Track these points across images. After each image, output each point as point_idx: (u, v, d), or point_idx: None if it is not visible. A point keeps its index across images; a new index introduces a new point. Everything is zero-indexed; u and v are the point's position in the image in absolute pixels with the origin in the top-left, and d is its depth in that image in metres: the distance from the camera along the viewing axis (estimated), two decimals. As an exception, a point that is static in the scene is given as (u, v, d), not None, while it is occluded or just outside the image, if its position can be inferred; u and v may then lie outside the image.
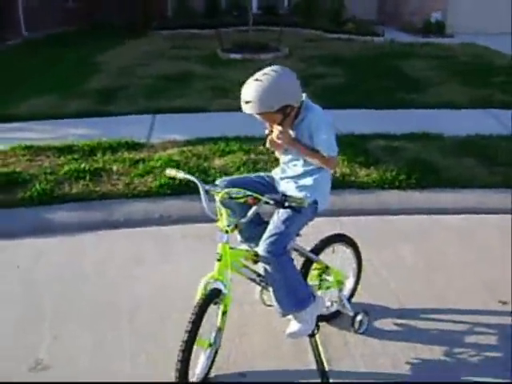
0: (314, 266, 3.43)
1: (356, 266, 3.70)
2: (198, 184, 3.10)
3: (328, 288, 3.52)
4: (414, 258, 4.45)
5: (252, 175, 3.43)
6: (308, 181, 3.15)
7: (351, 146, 6.35)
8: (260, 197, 2.89)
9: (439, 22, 15.99)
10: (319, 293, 3.41)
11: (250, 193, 2.95)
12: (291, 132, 3.02)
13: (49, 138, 6.85)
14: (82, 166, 5.85)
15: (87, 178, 5.63)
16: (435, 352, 3.27)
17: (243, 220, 2.96)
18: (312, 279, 3.43)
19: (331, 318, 3.56)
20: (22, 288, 4.03)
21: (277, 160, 3.32)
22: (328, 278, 3.51)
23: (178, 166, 5.74)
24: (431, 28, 15.73)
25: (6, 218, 5.15)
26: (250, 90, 2.94)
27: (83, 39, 16.35)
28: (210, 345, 2.96)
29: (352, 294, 3.70)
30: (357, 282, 3.72)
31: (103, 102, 8.61)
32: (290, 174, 3.23)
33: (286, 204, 2.81)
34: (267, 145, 3.13)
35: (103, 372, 3.15)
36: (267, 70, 2.99)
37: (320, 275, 3.49)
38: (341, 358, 3.22)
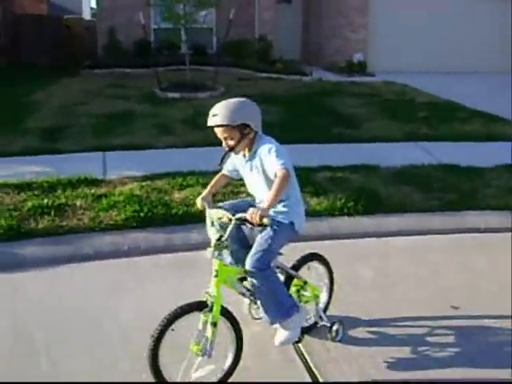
0: (294, 282, 3.81)
1: (328, 281, 4.13)
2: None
3: (306, 302, 3.90)
4: (371, 275, 4.91)
5: (249, 199, 3.80)
6: (280, 208, 3.54)
7: (299, 177, 6.69)
8: (231, 216, 3.31)
9: (361, 62, 17.04)
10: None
11: (224, 212, 3.39)
12: (258, 211, 3.18)
13: (0, 175, 6.92)
14: (45, 201, 5.99)
15: (52, 213, 5.78)
16: (405, 352, 3.72)
17: (224, 236, 3.31)
18: (292, 294, 3.78)
19: (310, 329, 3.92)
20: (5, 320, 4.16)
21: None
22: (306, 292, 3.90)
23: (140, 201, 6.04)
24: (354, 67, 16.73)
25: (-25, 254, 5.25)
26: (219, 106, 3.45)
27: (13, 77, 16.30)
28: (199, 353, 3.23)
29: (326, 307, 4.10)
30: (330, 296, 4.14)
31: (49, 140, 8.72)
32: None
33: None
34: (200, 203, 3.61)
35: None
36: (235, 98, 3.53)
37: (298, 290, 3.88)
38: (326, 362, 3.60)
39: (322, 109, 11.21)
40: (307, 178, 6.84)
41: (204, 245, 5.23)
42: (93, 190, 6.36)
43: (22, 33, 22.46)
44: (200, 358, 3.26)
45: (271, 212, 3.41)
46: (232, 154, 3.63)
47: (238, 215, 3.28)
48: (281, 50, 17.84)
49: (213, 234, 3.38)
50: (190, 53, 13.99)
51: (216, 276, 3.31)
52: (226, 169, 3.84)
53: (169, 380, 3.26)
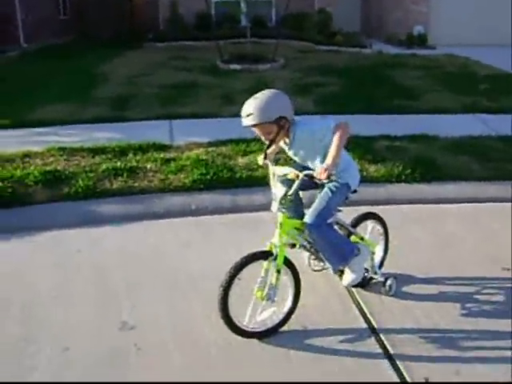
0: (352, 238, 4.08)
1: (384, 239, 4.39)
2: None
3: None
4: (427, 238, 5.12)
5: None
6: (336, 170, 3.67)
7: (359, 146, 7.02)
8: (298, 173, 3.52)
9: (421, 34, 16.89)
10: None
11: (290, 169, 3.62)
12: (324, 169, 3.34)
13: (76, 140, 7.40)
14: (118, 164, 6.43)
15: (124, 175, 6.21)
16: (457, 308, 3.94)
17: (290, 192, 3.55)
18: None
19: (366, 284, 4.19)
20: (88, 269, 4.58)
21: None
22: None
23: (206, 165, 6.40)
24: (414, 40, 16.60)
25: (57, 210, 5.72)
26: (251, 105, 3.45)
27: (79, 50, 16.93)
28: (263, 298, 3.55)
29: (382, 263, 4.36)
30: (385, 253, 4.40)
31: (118, 109, 9.19)
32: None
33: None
34: (262, 162, 3.80)
35: (184, 330, 3.73)
36: (263, 91, 3.56)
37: (368, 243, 4.16)
38: (380, 312, 3.87)
39: (381, 80, 11.30)
40: (366, 147, 7.06)
41: (266, 206, 5.62)
42: (162, 155, 6.76)
43: (85, 7, 23.14)
44: (264, 303, 3.57)
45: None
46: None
47: (306, 172, 3.47)
48: (340, 22, 17.85)
49: (278, 189, 3.60)
50: (249, 26, 14.22)
51: (280, 228, 3.60)
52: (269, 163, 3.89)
53: (237, 323, 3.58)
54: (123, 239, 5.16)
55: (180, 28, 17.74)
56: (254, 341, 3.60)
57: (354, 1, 20.38)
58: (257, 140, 7.15)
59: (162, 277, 4.41)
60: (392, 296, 4.09)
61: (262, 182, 6.07)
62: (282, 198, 3.57)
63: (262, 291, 3.55)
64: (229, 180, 6.14)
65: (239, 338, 3.58)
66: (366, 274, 4.13)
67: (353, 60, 13.67)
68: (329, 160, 3.37)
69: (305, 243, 3.86)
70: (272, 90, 3.56)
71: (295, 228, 3.75)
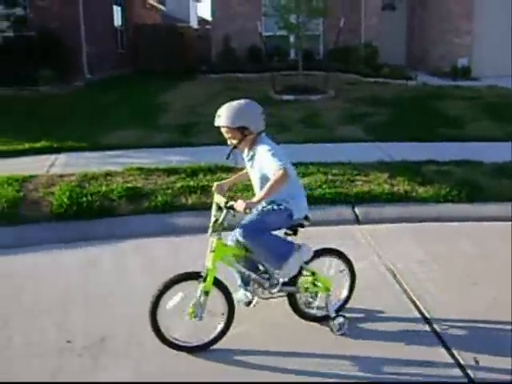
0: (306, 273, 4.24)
1: (349, 278, 4.42)
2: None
3: (316, 292, 4.30)
4: (471, 250, 5.70)
5: None
6: (280, 197, 3.95)
7: (408, 169, 7.67)
8: (223, 203, 3.82)
9: (465, 67, 17.46)
10: (308, 294, 4.28)
11: (221, 199, 3.89)
12: (245, 202, 3.67)
13: (149, 162, 8.20)
14: (191, 183, 7.21)
15: (198, 192, 6.98)
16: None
17: (219, 220, 3.83)
18: (303, 283, 4.25)
19: (322, 320, 4.29)
20: (172, 272, 5.29)
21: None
22: (316, 283, 4.27)
23: (269, 184, 7.08)
24: (458, 72, 17.18)
25: (139, 222, 6.50)
26: (223, 109, 3.92)
27: (137, 81, 18.01)
28: (194, 315, 3.85)
29: (345, 301, 4.43)
30: (350, 291, 4.43)
31: (183, 135, 10.05)
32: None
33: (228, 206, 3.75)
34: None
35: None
36: (241, 99, 4.01)
37: (312, 282, 4.28)
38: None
39: (427, 111, 11.92)
40: (415, 170, 7.68)
41: (326, 223, 6.30)
42: (228, 175, 7.48)
43: (140, 42, 24.42)
44: (194, 320, 3.88)
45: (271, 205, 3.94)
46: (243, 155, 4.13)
47: (230, 203, 3.75)
48: (386, 55, 18.55)
49: (212, 215, 3.92)
50: (296, 59, 15.02)
51: (212, 251, 3.89)
52: (248, 168, 4.21)
53: (166, 336, 3.92)
54: (200, 248, 5.84)
55: (232, 60, 18.66)
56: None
57: (398, 35, 21.07)
58: (313, 164, 7.86)
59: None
60: (340, 335, 4.18)
61: (322, 200, 6.80)
62: (214, 224, 3.86)
63: (194, 309, 3.87)
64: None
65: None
66: (322, 312, 4.29)
67: (399, 91, 14.30)
68: (254, 198, 3.77)
69: (241, 269, 4.06)
70: (247, 100, 4.02)
71: (233, 255, 4.03)
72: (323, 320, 4.27)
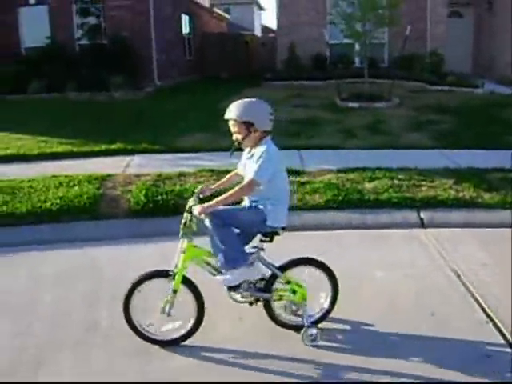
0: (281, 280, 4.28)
1: (331, 288, 4.37)
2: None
3: (292, 301, 4.28)
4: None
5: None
6: (262, 200, 4.12)
7: (474, 176, 7.74)
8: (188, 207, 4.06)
9: (534, 75, 17.21)
10: (283, 303, 4.31)
11: (190, 203, 4.12)
12: (201, 206, 3.96)
13: (218, 164, 8.51)
14: (260, 185, 7.48)
15: (267, 193, 7.24)
16: None
17: (187, 222, 4.04)
18: (278, 291, 4.29)
19: (297, 328, 4.28)
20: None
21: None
22: (288, 293, 4.28)
23: (337, 188, 7.31)
24: (526, 81, 16.93)
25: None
26: (234, 103, 4.08)
27: (204, 88, 18.51)
28: (162, 311, 4.07)
29: (326, 313, 4.40)
30: (332, 304, 4.39)
31: (251, 140, 10.33)
32: (251, 199, 4.19)
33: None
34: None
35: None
36: (253, 98, 4.13)
37: (287, 290, 4.29)
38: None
39: (493, 119, 11.85)
40: (481, 177, 7.74)
41: (392, 226, 6.46)
42: (297, 178, 7.75)
43: (207, 50, 25.05)
44: (164, 316, 4.10)
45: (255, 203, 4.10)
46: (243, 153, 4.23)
47: (190, 205, 4.03)
48: (451, 63, 18.45)
49: (184, 217, 4.08)
50: (361, 67, 15.17)
51: (183, 252, 4.08)
52: (239, 167, 4.37)
53: (137, 326, 4.18)
54: (269, 245, 6.12)
55: (297, 68, 18.95)
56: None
57: (465, 42, 20.94)
58: (380, 169, 8.02)
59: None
60: (312, 346, 4.16)
61: (389, 204, 6.96)
62: (183, 226, 4.06)
63: (163, 306, 4.09)
64: (358, 201, 7.02)
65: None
66: (297, 321, 4.31)
67: (465, 99, 14.23)
68: (213, 201, 3.97)
69: (211, 270, 4.19)
70: (259, 100, 4.12)
71: (204, 257, 4.17)
72: (299, 329, 4.25)
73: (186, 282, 4.13)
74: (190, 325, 4.20)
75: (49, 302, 4.96)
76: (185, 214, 4.07)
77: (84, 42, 18.90)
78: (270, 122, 4.10)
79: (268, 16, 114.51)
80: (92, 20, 18.94)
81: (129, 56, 17.10)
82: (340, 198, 7.05)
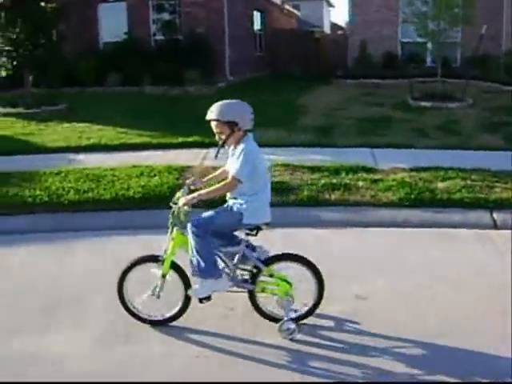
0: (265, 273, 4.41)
1: (316, 286, 4.41)
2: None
3: (273, 294, 4.42)
4: None
5: None
6: (238, 201, 4.24)
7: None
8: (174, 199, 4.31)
9: None
10: (264, 295, 4.44)
11: (177, 194, 4.33)
12: (185, 198, 4.19)
13: (293, 160, 8.73)
14: (334, 180, 7.68)
15: (340, 189, 7.43)
16: None
17: (175, 212, 4.24)
18: (261, 284, 4.42)
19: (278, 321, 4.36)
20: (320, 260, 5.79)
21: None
22: (271, 286, 4.43)
23: (410, 186, 7.41)
24: None
25: (287, 213, 7.04)
26: (215, 104, 4.20)
27: (274, 84, 18.77)
28: (152, 293, 4.37)
29: (311, 309, 4.47)
30: (317, 301, 4.44)
31: (324, 136, 10.53)
32: (231, 196, 4.32)
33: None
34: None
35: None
36: (233, 100, 4.29)
37: (270, 284, 4.43)
38: None
39: None
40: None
41: (464, 225, 6.51)
42: (370, 176, 7.89)
43: (277, 46, 25.28)
44: (154, 298, 4.39)
45: (232, 203, 4.26)
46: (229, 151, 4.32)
47: (180, 197, 4.23)
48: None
49: (172, 208, 4.30)
50: (433, 66, 15.06)
51: (172, 239, 4.33)
52: (227, 164, 4.43)
53: (130, 306, 4.49)
54: (344, 240, 6.32)
55: (368, 66, 18.97)
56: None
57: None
58: (452, 169, 8.06)
59: (384, 266, 5.51)
60: (289, 339, 4.27)
61: (461, 204, 7.01)
62: (172, 216, 4.27)
63: (153, 288, 4.39)
64: (430, 200, 7.10)
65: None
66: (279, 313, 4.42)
67: (541, 101, 13.98)
68: (195, 193, 4.20)
69: (198, 259, 4.28)
70: (238, 101, 4.30)
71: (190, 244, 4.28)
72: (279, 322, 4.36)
73: (175, 267, 4.40)
74: (177, 308, 4.48)
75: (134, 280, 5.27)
76: (173, 205, 4.30)
77: (159, 37, 19.51)
78: (251, 122, 4.26)
79: (337, 13, 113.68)
80: (168, 16, 19.53)
81: (203, 51, 17.52)
82: (413, 196, 7.15)
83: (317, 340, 4.32)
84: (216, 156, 4.33)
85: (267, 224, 4.36)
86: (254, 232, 4.32)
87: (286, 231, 6.53)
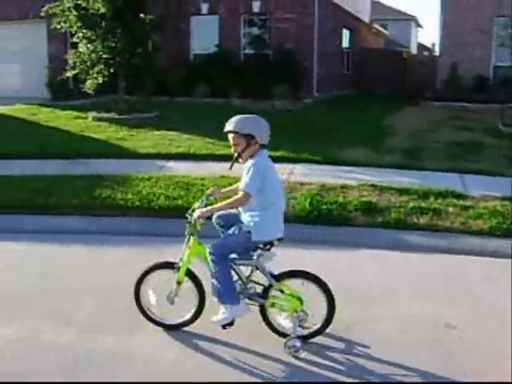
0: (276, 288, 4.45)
1: (326, 304, 4.40)
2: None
3: (282, 309, 4.48)
4: None
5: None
6: (246, 217, 4.34)
7: None
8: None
9: None
10: (274, 310, 4.50)
11: (194, 206, 4.45)
12: (199, 211, 4.33)
13: (379, 180, 8.64)
14: (423, 204, 7.57)
15: (429, 214, 7.31)
16: None
17: (192, 223, 4.36)
18: (271, 298, 4.47)
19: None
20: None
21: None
22: (281, 302, 4.46)
23: (502, 216, 7.20)
24: None
25: (374, 234, 7.01)
26: (234, 117, 4.30)
27: (360, 102, 18.70)
28: (167, 299, 4.54)
29: (321, 328, 4.47)
30: (327, 321, 4.43)
31: (411, 158, 10.38)
32: (243, 211, 4.39)
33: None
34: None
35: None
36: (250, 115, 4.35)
37: (280, 299, 4.47)
38: None
39: None
40: None
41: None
42: (460, 202, 7.72)
43: (364, 65, 25.18)
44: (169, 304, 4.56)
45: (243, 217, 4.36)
46: None
47: (196, 209, 4.36)
48: None
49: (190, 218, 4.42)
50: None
51: (189, 248, 4.45)
52: None
53: (145, 309, 4.66)
54: (429, 265, 6.21)
55: (457, 89, 18.58)
56: None
57: None
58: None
59: (472, 294, 5.37)
60: (293, 356, 4.29)
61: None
62: (189, 225, 4.39)
63: (168, 294, 4.55)
64: (525, 232, 6.89)
65: None
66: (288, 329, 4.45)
67: None
68: (209, 207, 4.36)
69: (212, 269, 4.42)
70: (255, 115, 4.34)
71: (206, 255, 4.40)
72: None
73: (190, 274, 4.54)
74: (190, 313, 4.62)
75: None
76: (188, 216, 4.43)
77: (249, 51, 19.83)
78: (267, 137, 4.32)
79: (425, 33, 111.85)
80: (258, 31, 19.84)
81: (291, 67, 17.68)
82: (505, 226, 6.95)
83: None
84: (231, 167, 4.42)
85: (279, 239, 4.40)
86: (267, 248, 4.36)
87: (373, 252, 6.52)
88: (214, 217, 4.53)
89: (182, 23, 20.21)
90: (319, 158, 10.24)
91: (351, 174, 9.22)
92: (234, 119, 4.29)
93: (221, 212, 4.49)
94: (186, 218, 4.42)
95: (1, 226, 7.40)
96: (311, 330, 4.49)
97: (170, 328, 4.70)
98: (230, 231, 4.41)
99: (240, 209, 4.42)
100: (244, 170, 4.30)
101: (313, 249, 6.56)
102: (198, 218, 4.31)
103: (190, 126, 13.16)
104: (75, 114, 15.42)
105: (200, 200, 4.58)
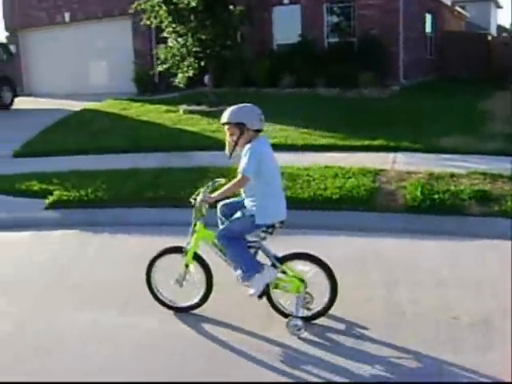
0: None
1: (329, 285, 4.55)
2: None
3: (286, 290, 4.62)
4: None
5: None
6: (248, 201, 4.56)
7: None
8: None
9: None
10: (277, 291, 4.65)
11: (201, 191, 4.59)
12: (203, 196, 4.54)
13: (486, 168, 8.39)
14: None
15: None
16: None
17: (198, 208, 4.57)
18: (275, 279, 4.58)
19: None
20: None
21: None
22: (284, 284, 4.61)
23: None
24: None
25: (490, 224, 6.83)
26: (227, 109, 4.52)
27: (446, 88, 18.21)
28: (176, 282, 4.75)
29: (324, 310, 4.63)
30: (331, 300, 4.60)
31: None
32: (245, 196, 4.61)
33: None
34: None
35: None
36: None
37: (283, 280, 4.61)
38: None
39: None
40: None
41: None
42: None
43: (447, 49, 24.48)
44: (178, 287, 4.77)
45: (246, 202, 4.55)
46: None
47: (200, 194, 4.54)
48: None
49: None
50: None
51: (195, 232, 4.65)
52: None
53: (156, 293, 4.93)
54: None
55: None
56: None
57: None
58: None
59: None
60: (295, 336, 4.47)
61: None
62: (195, 210, 4.57)
63: (177, 277, 4.74)
64: None
65: None
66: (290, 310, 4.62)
67: None
68: (214, 194, 4.55)
69: (216, 251, 4.70)
70: (248, 104, 4.55)
71: (212, 239, 4.65)
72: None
73: (198, 258, 4.75)
74: (199, 296, 4.85)
75: (350, 283, 5.32)
76: (193, 200, 4.64)
77: (332, 39, 19.66)
78: (259, 122, 4.49)
79: (504, 15, 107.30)
80: (342, 18, 19.65)
81: (377, 54, 17.39)
82: None
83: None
84: (230, 156, 4.61)
85: (282, 222, 4.57)
86: (270, 231, 4.54)
87: (486, 242, 6.34)
88: (219, 206, 4.76)
89: (265, 13, 20.22)
90: (419, 145, 10.07)
91: (455, 161, 9.02)
92: (226, 111, 4.53)
93: (225, 201, 4.73)
94: (190, 202, 4.65)
95: (125, 219, 7.68)
96: (313, 311, 4.67)
97: (178, 310, 4.94)
98: (235, 216, 4.62)
99: (243, 195, 4.64)
100: (242, 155, 4.51)
101: (438, 239, 6.46)
102: (201, 201, 4.51)
103: (281, 116, 13.12)
104: (164, 107, 15.72)
105: (206, 185, 4.73)
